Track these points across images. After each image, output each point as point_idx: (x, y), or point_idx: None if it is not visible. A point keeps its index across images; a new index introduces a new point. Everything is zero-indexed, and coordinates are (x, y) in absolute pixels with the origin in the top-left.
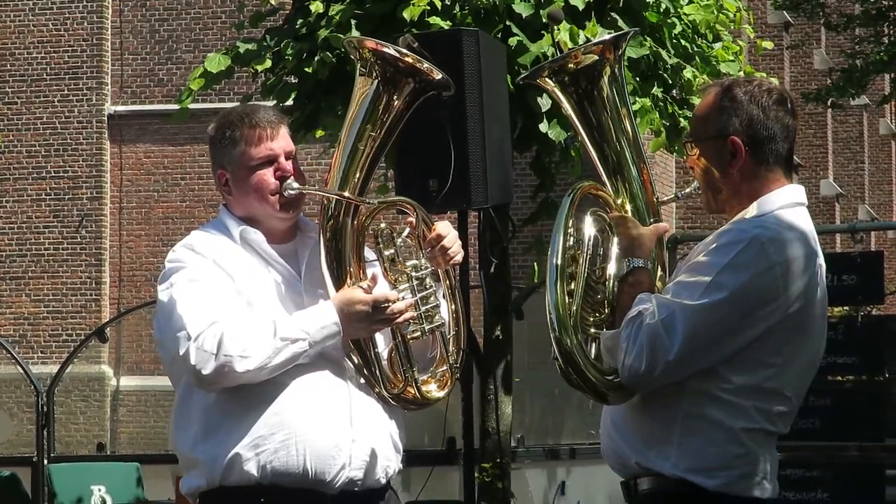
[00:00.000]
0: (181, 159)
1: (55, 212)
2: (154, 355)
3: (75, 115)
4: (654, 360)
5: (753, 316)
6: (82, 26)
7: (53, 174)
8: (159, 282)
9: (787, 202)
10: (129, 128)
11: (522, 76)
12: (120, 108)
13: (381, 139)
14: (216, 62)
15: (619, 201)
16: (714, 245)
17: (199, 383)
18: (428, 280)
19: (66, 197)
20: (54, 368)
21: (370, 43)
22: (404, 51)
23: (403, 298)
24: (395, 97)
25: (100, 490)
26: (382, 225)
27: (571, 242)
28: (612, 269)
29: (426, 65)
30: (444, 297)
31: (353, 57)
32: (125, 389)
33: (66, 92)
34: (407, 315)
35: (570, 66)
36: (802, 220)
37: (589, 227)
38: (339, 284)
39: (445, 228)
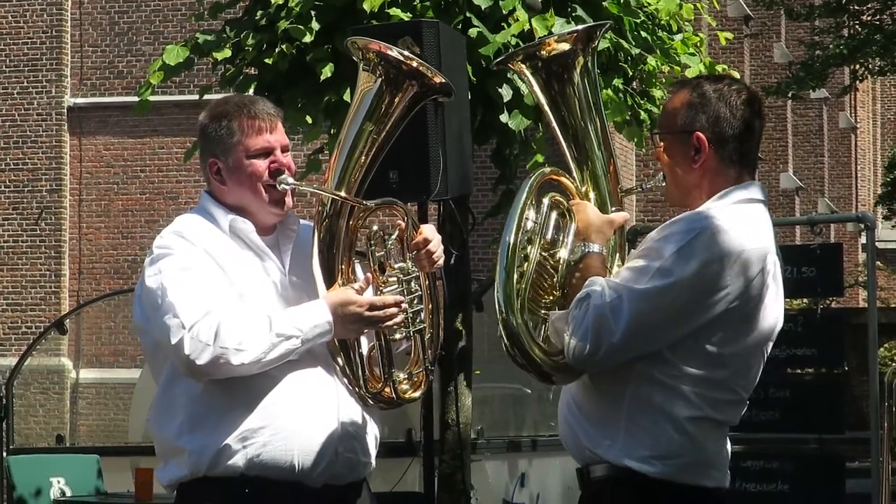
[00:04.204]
0: (141, 152)
1: (14, 204)
2: (114, 348)
3: (35, 107)
4: (598, 341)
5: (699, 304)
6: (42, 18)
7: (12, 166)
8: (146, 266)
9: (742, 198)
10: (89, 120)
11: (497, 60)
12: (80, 100)
13: (380, 141)
14: (174, 54)
15: (584, 189)
16: (665, 233)
17: (190, 373)
18: (414, 283)
19: (26, 189)
20: (13, 361)
21: (375, 45)
22: (408, 54)
23: (396, 303)
24: (397, 99)
25: (59, 482)
26: (375, 227)
27: (530, 226)
28: (567, 253)
29: (429, 68)
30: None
31: (355, 57)
32: (84, 382)
33: (25, 84)
34: (397, 319)
35: (543, 53)
36: (757, 216)
37: (547, 211)
38: (330, 282)
39: (431, 232)
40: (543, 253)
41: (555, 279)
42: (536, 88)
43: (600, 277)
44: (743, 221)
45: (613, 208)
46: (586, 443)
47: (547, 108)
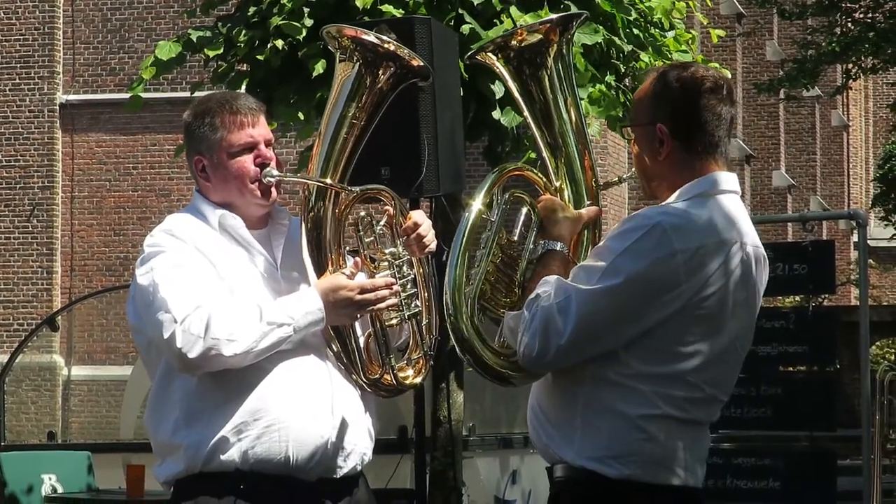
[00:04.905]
0: (133, 149)
1: (6, 201)
2: (105, 345)
3: (27, 103)
4: (546, 343)
5: (653, 302)
6: (34, 15)
7: (4, 163)
8: (138, 265)
9: (706, 189)
10: (81, 117)
11: (468, 54)
12: (72, 97)
13: (361, 125)
14: (167, 49)
15: (557, 183)
16: (618, 231)
17: (183, 367)
18: (405, 267)
19: (18, 186)
20: (4, 357)
21: (349, 30)
22: (384, 37)
23: (387, 284)
24: (376, 82)
25: (50, 479)
26: (363, 213)
27: (488, 226)
28: (527, 251)
29: (406, 51)
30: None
31: (331, 46)
32: (76, 379)
33: (17, 81)
34: (389, 302)
35: (514, 43)
36: (723, 207)
37: (506, 209)
38: (320, 272)
39: (421, 217)
40: (510, 251)
41: (517, 278)
42: (509, 78)
43: (553, 277)
44: (702, 215)
45: (588, 202)
46: (548, 442)
47: (521, 100)
